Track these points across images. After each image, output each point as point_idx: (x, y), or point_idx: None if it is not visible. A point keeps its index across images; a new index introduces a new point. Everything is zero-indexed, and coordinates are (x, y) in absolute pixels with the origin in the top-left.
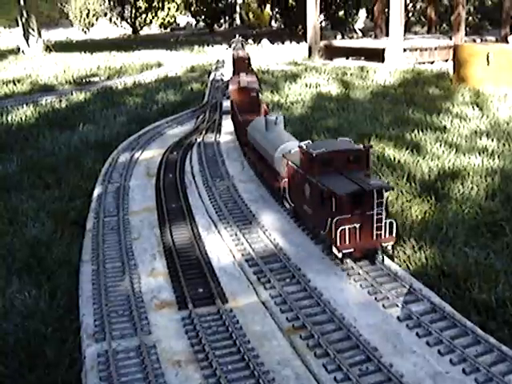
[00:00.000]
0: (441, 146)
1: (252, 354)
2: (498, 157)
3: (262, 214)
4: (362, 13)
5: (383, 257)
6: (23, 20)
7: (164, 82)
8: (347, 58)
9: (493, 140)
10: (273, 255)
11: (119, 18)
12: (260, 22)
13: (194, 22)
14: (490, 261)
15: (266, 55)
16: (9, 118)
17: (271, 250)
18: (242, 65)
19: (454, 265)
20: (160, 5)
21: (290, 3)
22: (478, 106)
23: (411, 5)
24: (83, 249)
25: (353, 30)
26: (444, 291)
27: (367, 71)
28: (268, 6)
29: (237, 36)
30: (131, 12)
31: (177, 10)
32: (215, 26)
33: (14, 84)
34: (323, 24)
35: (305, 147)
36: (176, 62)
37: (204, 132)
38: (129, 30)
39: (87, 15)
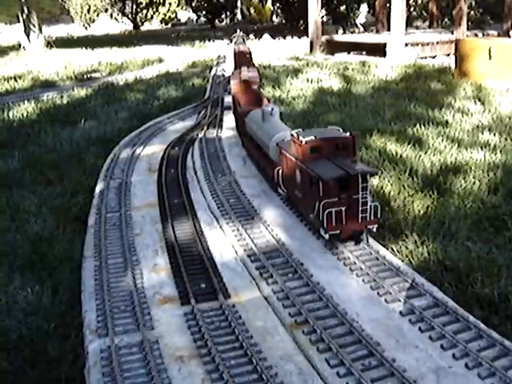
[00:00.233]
0: (443, 140)
1: (255, 349)
2: (500, 151)
3: (264, 209)
4: (364, 7)
5: (368, 238)
6: (24, 16)
7: (165, 78)
8: (349, 53)
9: (495, 134)
10: (275, 250)
11: (120, 14)
12: (261, 17)
13: (195, 17)
14: (492, 255)
15: (268, 50)
16: (10, 114)
17: (273, 245)
18: (243, 59)
19: (456, 259)
20: (161, 0)
21: None
22: (479, 101)
23: None
24: (85, 245)
25: (354, 24)
26: (446, 286)
27: (369, 66)
28: (269, 1)
29: (238, 31)
30: (132, 7)
31: (178, 6)
32: (216, 21)
33: (15, 80)
34: (324, 19)
35: (296, 135)
36: (177, 58)
37: (205, 127)
38: (130, 26)
39: (88, 11)
